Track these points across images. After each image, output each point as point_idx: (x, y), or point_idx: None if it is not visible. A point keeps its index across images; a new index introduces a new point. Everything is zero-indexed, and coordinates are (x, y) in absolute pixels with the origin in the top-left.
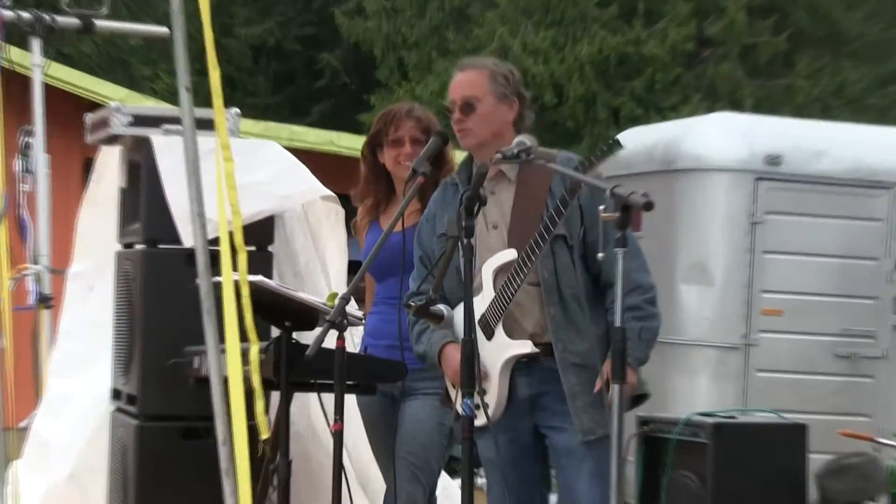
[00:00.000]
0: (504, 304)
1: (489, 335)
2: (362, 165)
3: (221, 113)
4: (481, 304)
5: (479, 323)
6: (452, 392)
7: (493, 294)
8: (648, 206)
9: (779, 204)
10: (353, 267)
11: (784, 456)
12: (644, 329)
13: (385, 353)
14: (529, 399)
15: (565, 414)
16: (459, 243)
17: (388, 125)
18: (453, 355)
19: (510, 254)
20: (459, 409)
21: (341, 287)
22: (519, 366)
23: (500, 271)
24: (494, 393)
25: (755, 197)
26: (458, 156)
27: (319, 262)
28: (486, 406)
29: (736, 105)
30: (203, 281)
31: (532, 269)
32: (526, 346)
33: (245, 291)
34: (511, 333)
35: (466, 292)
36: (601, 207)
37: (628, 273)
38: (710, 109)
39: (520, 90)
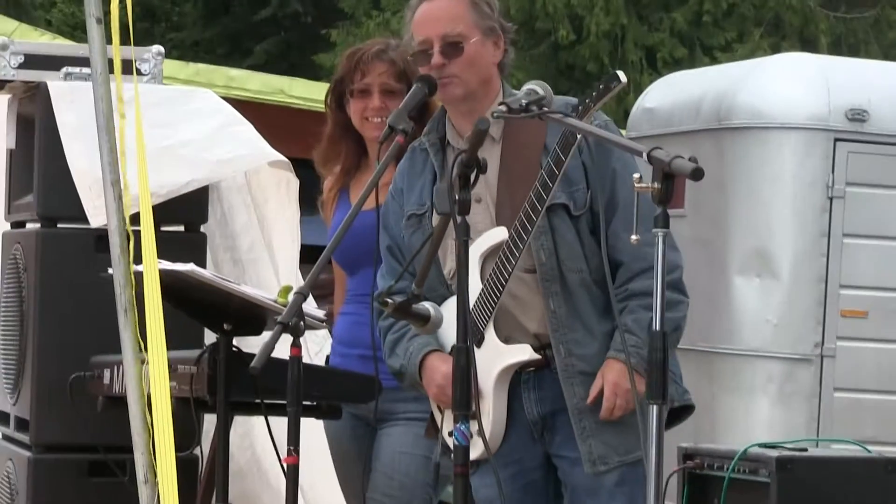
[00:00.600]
0: (494, 299)
1: (478, 340)
2: (328, 120)
3: (117, 54)
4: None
5: None
6: (439, 417)
7: (479, 287)
8: (697, 173)
9: (864, 172)
10: (313, 254)
11: (869, 498)
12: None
13: (360, 366)
14: (540, 420)
15: None
16: (452, 221)
17: (353, 70)
18: (438, 368)
19: (500, 233)
20: (447, 438)
21: (293, 279)
22: (525, 378)
23: (488, 257)
24: (490, 414)
25: (833, 163)
26: None
27: (266, 248)
28: (481, 432)
29: (808, 44)
30: (118, 271)
31: (526, 251)
32: (524, 353)
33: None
34: (509, 335)
35: (461, 285)
36: (636, 176)
37: (638, 248)
38: (774, 49)
39: (502, 21)
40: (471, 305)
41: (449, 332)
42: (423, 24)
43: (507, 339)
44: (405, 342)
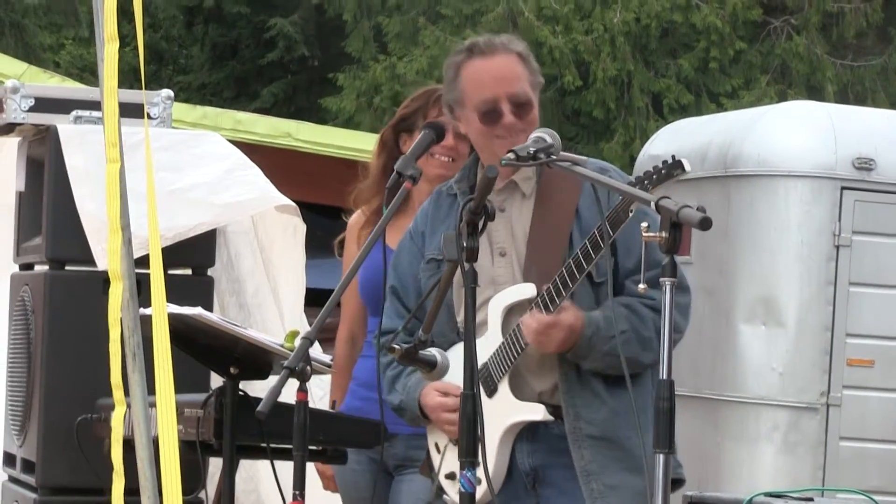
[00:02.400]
0: (513, 355)
1: (490, 391)
2: (377, 154)
3: (114, 97)
4: (483, 349)
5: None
6: (437, 458)
7: (500, 340)
8: (706, 223)
9: (871, 221)
10: (318, 297)
11: None
12: (629, 335)
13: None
14: (532, 472)
15: (576, 495)
16: (460, 268)
17: (429, 106)
18: (431, 395)
19: (527, 290)
20: (443, 480)
21: (297, 323)
22: (521, 430)
23: (511, 311)
24: (490, 466)
25: (840, 212)
26: None
27: (271, 292)
28: (486, 476)
29: (815, 92)
30: (127, 315)
31: None
32: (538, 412)
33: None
34: (515, 391)
35: (468, 333)
36: (643, 225)
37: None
38: (780, 97)
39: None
40: (488, 356)
41: (457, 376)
42: (486, 83)
43: (515, 395)
44: (403, 378)
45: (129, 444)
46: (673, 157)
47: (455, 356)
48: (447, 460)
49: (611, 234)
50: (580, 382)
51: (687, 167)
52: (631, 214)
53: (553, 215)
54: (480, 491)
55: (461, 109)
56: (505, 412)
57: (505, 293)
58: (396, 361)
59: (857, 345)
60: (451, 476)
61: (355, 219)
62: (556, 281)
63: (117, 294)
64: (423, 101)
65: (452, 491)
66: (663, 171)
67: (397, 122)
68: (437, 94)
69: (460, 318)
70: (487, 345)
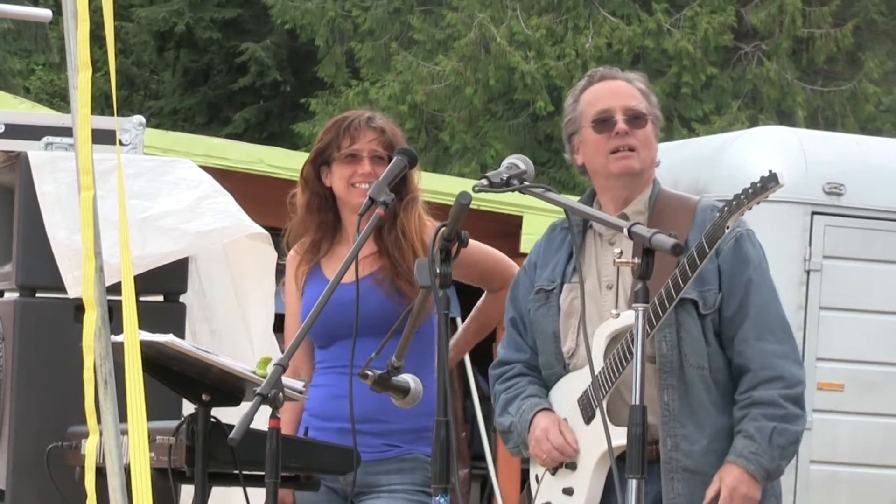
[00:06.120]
0: (611, 381)
1: (588, 417)
2: (301, 191)
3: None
4: (585, 378)
5: (578, 401)
6: (535, 488)
7: (601, 365)
8: (678, 249)
9: (841, 246)
10: (279, 322)
11: None
12: (778, 431)
13: (339, 440)
14: None
15: None
16: (434, 295)
17: (340, 136)
18: (539, 423)
19: (629, 318)
20: None
21: (267, 350)
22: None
23: (614, 339)
24: (583, 494)
25: (810, 236)
26: (429, 180)
27: (242, 319)
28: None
29: (785, 117)
30: (99, 343)
31: (648, 341)
32: None
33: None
34: (614, 419)
35: (440, 357)
36: (616, 251)
37: (767, 358)
38: (751, 122)
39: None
40: (588, 382)
41: (558, 405)
42: (602, 97)
43: (613, 422)
44: (518, 401)
45: (100, 472)
46: (770, 171)
47: (560, 388)
48: (543, 490)
49: (707, 250)
50: (683, 413)
51: (782, 180)
52: (728, 231)
53: None
54: None
55: (578, 134)
56: (601, 438)
57: (609, 322)
58: (371, 388)
59: (828, 368)
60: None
61: (291, 256)
62: (654, 303)
63: (91, 321)
64: (335, 132)
65: None
66: (759, 186)
67: (315, 157)
68: (346, 122)
69: (565, 347)
70: (589, 373)
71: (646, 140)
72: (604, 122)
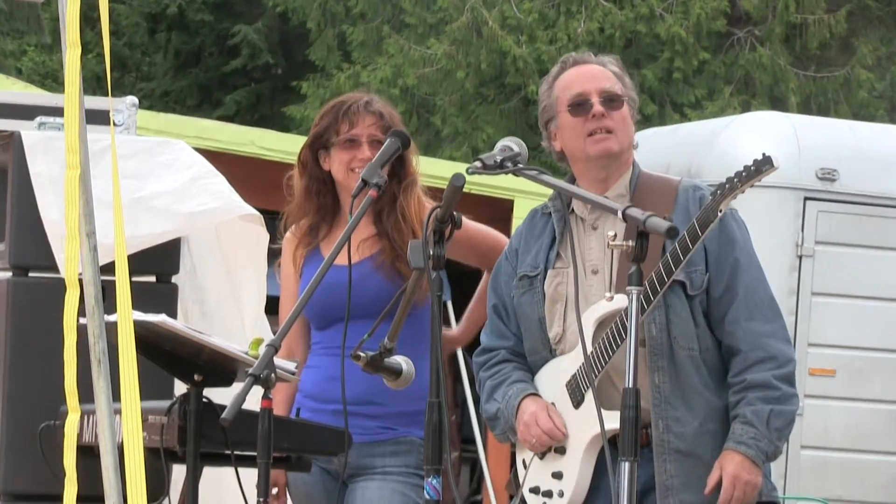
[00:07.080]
0: (600, 365)
1: (577, 402)
2: (299, 175)
3: (75, 103)
4: (573, 363)
5: (566, 385)
6: (522, 473)
7: (590, 350)
8: (672, 232)
9: (834, 231)
10: (275, 305)
11: None
12: (775, 413)
13: (334, 422)
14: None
15: None
16: (427, 276)
17: (339, 120)
18: (527, 408)
19: (619, 302)
20: (526, 495)
21: (259, 332)
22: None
23: (602, 323)
24: (573, 478)
25: (803, 222)
26: (425, 164)
27: (233, 300)
28: (559, 494)
29: (778, 102)
30: (92, 322)
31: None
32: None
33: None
34: (603, 403)
35: (434, 343)
36: (610, 234)
37: (758, 338)
38: (744, 107)
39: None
40: (576, 369)
41: (548, 392)
42: (578, 81)
43: (603, 406)
44: (504, 387)
45: (92, 451)
46: (763, 154)
47: (547, 373)
48: (531, 474)
49: (700, 233)
50: (673, 395)
51: (776, 163)
52: (720, 214)
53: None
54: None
55: (554, 120)
56: (592, 421)
57: (596, 306)
58: (363, 370)
59: (819, 354)
60: (534, 490)
61: (287, 238)
62: (645, 287)
63: (73, 301)
64: (333, 116)
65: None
66: (753, 169)
67: (313, 141)
68: (344, 107)
69: (552, 332)
70: (577, 358)
71: (622, 121)
72: (580, 106)
